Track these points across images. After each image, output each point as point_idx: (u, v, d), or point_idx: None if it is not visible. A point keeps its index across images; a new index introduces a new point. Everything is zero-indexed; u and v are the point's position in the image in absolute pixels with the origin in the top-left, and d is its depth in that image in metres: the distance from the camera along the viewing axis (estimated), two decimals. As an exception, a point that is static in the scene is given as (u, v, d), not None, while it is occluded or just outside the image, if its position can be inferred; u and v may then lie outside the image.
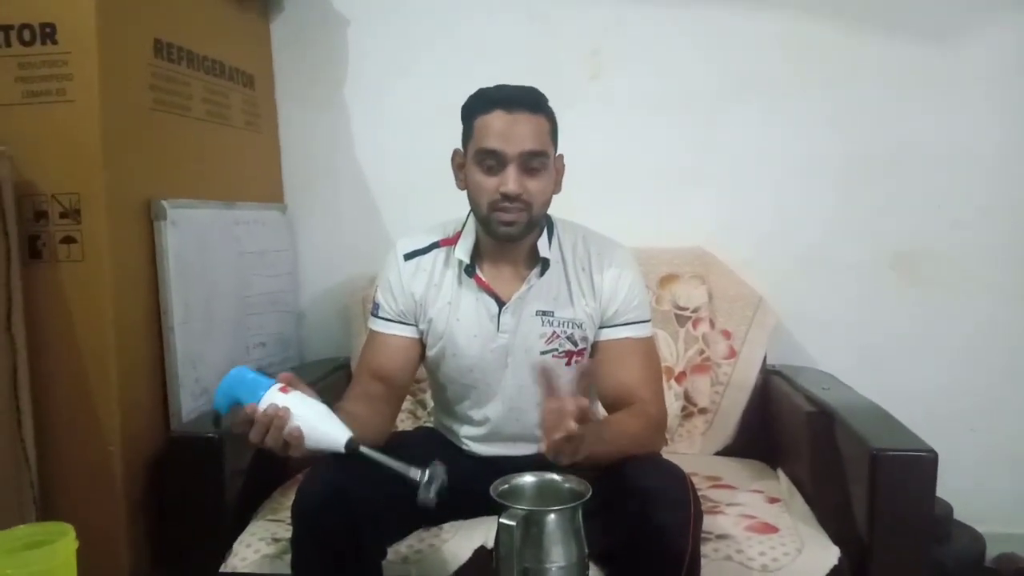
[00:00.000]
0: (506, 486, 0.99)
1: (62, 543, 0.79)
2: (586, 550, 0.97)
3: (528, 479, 1.02)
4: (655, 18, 1.98)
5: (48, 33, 1.36)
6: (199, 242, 1.63)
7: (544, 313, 1.31)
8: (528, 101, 1.24)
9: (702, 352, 1.82)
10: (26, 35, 1.37)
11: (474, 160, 1.25)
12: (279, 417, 1.03)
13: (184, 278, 1.57)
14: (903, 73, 1.94)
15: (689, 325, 1.83)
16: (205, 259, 1.65)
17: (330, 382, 1.88)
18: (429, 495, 1.02)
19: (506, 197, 1.22)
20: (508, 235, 1.26)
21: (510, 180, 1.21)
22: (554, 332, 1.31)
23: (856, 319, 1.99)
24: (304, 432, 1.04)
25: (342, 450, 1.04)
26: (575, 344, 1.32)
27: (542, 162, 1.24)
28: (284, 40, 2.07)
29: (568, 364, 1.32)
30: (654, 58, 1.99)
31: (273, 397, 1.05)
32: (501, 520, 0.94)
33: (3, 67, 1.37)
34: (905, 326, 1.97)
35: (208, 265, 1.66)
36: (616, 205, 1.92)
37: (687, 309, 1.84)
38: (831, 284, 1.99)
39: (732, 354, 1.83)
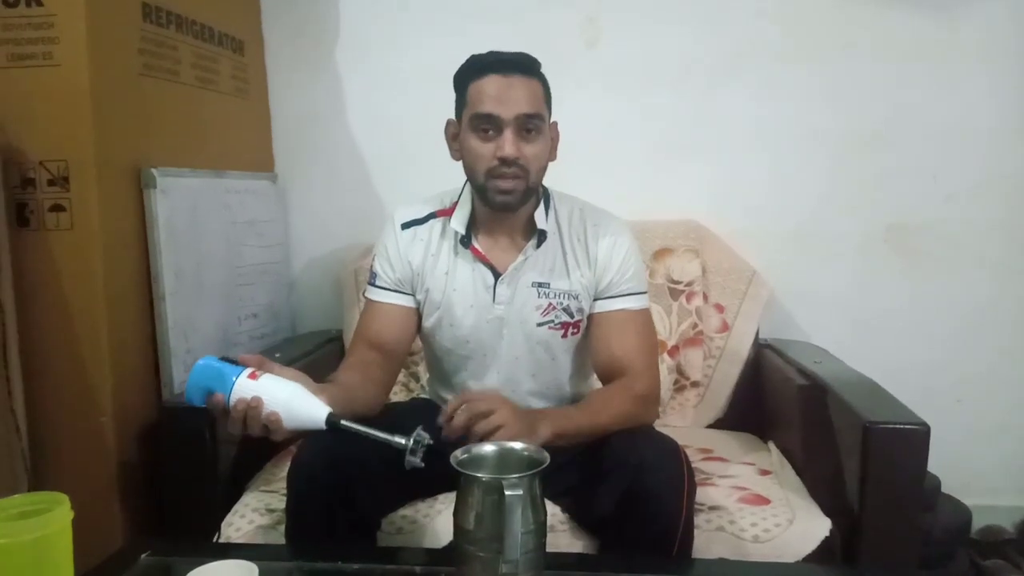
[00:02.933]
0: (466, 455, 0.99)
1: (58, 512, 0.78)
2: (544, 516, 0.97)
3: (488, 448, 1.02)
4: (653, -14, 1.95)
5: (33, -6, 1.33)
6: (189, 211, 1.61)
7: (540, 284, 1.31)
8: (522, 65, 1.23)
9: (695, 326, 1.83)
10: (10, -4, 1.33)
11: (469, 126, 1.23)
12: (252, 407, 1.03)
13: (174, 247, 1.55)
14: (899, 46, 1.93)
15: (682, 298, 1.83)
16: (195, 228, 1.63)
17: (322, 354, 1.88)
18: (416, 460, 1.02)
19: (504, 162, 1.20)
20: (505, 203, 1.25)
21: (507, 143, 1.20)
22: (550, 303, 1.30)
23: (849, 293, 1.99)
24: (281, 415, 1.04)
25: (323, 426, 1.04)
26: (571, 316, 1.31)
27: (537, 125, 1.23)
28: (274, 5, 2.03)
29: (564, 336, 1.32)
30: (651, 28, 1.96)
31: (243, 385, 1.04)
32: (460, 489, 0.95)
33: (-13, 29, 1.34)
34: (897, 300, 1.98)
35: (198, 234, 1.64)
36: (610, 177, 1.90)
37: (680, 283, 1.84)
38: (825, 258, 1.99)
39: (725, 328, 1.84)
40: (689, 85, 1.98)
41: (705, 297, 1.85)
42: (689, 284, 1.84)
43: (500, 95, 1.20)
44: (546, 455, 0.98)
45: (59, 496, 0.80)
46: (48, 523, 0.78)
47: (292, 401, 1.05)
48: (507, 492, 0.90)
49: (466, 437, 1.11)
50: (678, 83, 1.97)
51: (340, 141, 2.08)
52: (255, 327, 1.86)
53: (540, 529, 0.97)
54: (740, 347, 1.82)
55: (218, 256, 1.73)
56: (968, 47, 1.91)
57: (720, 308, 1.85)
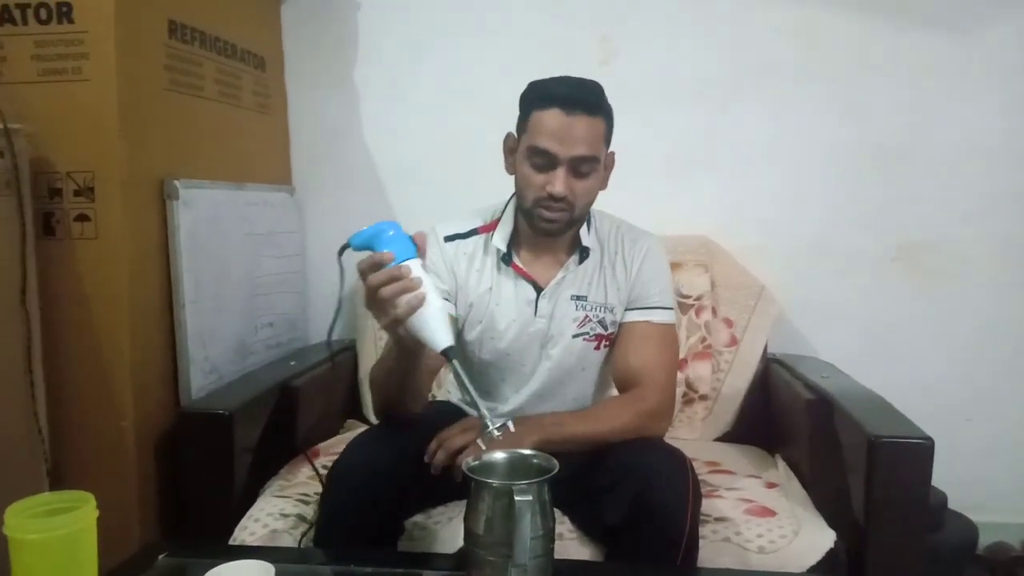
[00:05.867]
0: (477, 462, 1.02)
1: (84, 510, 0.81)
2: (553, 523, 0.99)
3: (499, 455, 1.04)
4: (666, 5, 1.99)
5: (65, 12, 1.38)
6: (210, 222, 1.65)
7: (578, 298, 1.35)
8: (588, 102, 1.22)
9: (704, 340, 1.84)
10: (43, 13, 1.38)
11: (525, 154, 1.26)
12: (411, 281, 0.99)
13: (195, 257, 1.58)
14: (913, 63, 1.94)
15: (692, 313, 1.85)
16: (216, 239, 1.67)
17: (337, 362, 1.91)
18: (494, 433, 1.00)
19: (552, 197, 1.24)
20: (548, 231, 1.29)
21: (558, 182, 1.22)
22: (586, 316, 1.34)
23: (860, 309, 2.00)
24: (424, 311, 1.00)
25: (438, 349, 1.02)
26: (605, 328, 1.35)
27: (592, 167, 1.25)
28: (294, 22, 2.08)
29: (597, 348, 1.36)
30: (664, 45, 2.00)
31: (416, 264, 1.01)
32: (472, 495, 0.97)
33: (20, 45, 1.38)
34: (907, 317, 1.99)
35: (218, 245, 1.68)
36: (623, 190, 1.90)
37: (690, 297, 1.86)
38: (836, 274, 2.00)
39: (733, 342, 1.86)
40: (703, 102, 2.00)
41: (714, 311, 1.87)
42: (698, 298, 1.86)
43: (560, 133, 1.21)
44: (555, 463, 1.00)
45: (84, 495, 0.83)
46: (76, 520, 0.81)
47: (436, 311, 1.01)
48: (517, 498, 0.93)
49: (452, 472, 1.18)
50: (692, 100, 2.00)
51: (356, 155, 2.13)
52: (271, 336, 1.90)
53: (548, 535, 0.99)
54: (748, 361, 1.83)
55: (237, 266, 1.77)
56: (981, 65, 1.93)
57: (729, 322, 1.87)
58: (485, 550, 0.97)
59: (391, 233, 1.04)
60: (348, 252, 1.07)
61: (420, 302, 1.00)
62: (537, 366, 1.36)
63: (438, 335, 1.02)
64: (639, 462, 1.16)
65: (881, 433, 1.25)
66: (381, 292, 1.00)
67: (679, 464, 1.16)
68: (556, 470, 0.98)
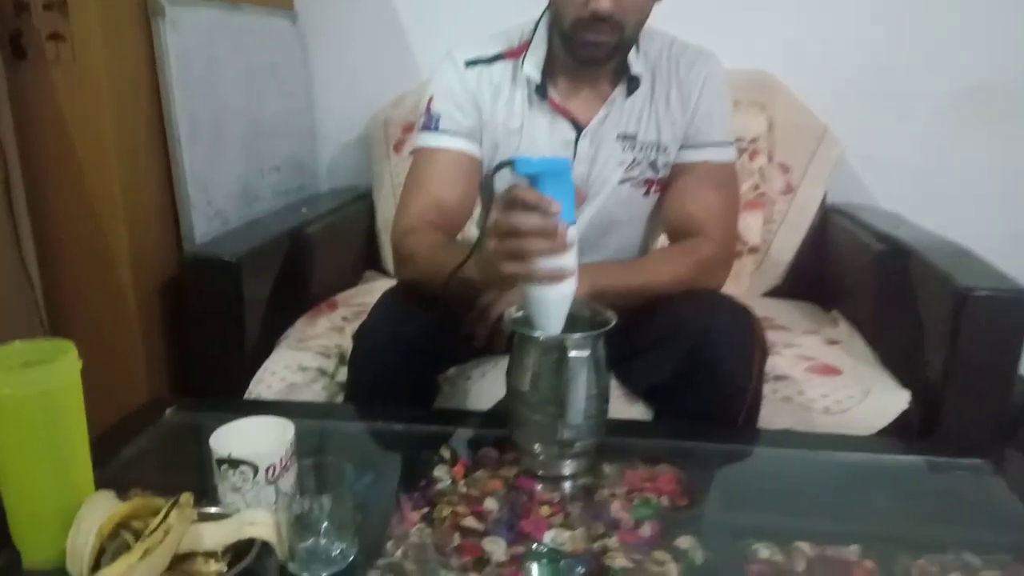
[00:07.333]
0: (522, 313, 0.88)
1: (64, 362, 0.68)
2: (608, 381, 0.87)
3: None
4: None
5: None
6: (203, 49, 1.45)
7: (625, 137, 1.14)
8: None
9: (757, 187, 1.67)
10: None
11: None
12: (566, 249, 0.83)
13: (188, 88, 1.40)
14: None
15: (745, 157, 1.66)
16: (210, 70, 1.48)
17: (352, 211, 1.76)
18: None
19: (596, 16, 1.00)
20: (591, 59, 1.07)
21: None
22: (635, 158, 1.14)
23: (927, 157, 1.80)
24: (549, 288, 0.84)
25: (545, 333, 0.85)
26: (656, 171, 1.15)
27: None
28: None
29: (646, 194, 1.17)
30: None
31: (572, 235, 0.83)
32: (516, 349, 0.86)
33: None
34: (982, 165, 1.79)
35: (214, 77, 1.49)
36: (671, 18, 1.69)
37: (744, 139, 1.66)
38: (902, 118, 1.79)
39: (789, 190, 1.68)
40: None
41: (770, 156, 1.68)
42: (753, 141, 1.67)
43: None
44: (612, 315, 0.86)
45: (65, 344, 0.70)
46: (55, 375, 0.68)
47: (568, 296, 0.85)
48: (572, 353, 0.80)
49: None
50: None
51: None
52: (279, 182, 1.73)
53: (603, 394, 0.87)
54: (805, 211, 1.67)
55: (237, 102, 1.58)
56: None
57: (785, 168, 1.68)
58: (531, 409, 0.86)
59: (566, 178, 0.84)
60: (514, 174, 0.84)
61: (562, 278, 0.83)
62: (576, 218, 1.18)
63: (551, 321, 0.85)
64: (696, 315, 1.02)
65: (972, 285, 1.10)
66: (528, 244, 0.81)
67: (741, 315, 1.02)
68: (613, 323, 0.85)
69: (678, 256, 1.13)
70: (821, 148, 1.68)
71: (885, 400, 1.16)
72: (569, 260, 0.84)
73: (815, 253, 1.66)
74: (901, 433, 1.14)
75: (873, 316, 1.38)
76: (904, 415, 1.15)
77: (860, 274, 1.45)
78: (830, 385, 1.18)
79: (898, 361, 1.26)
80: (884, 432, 1.13)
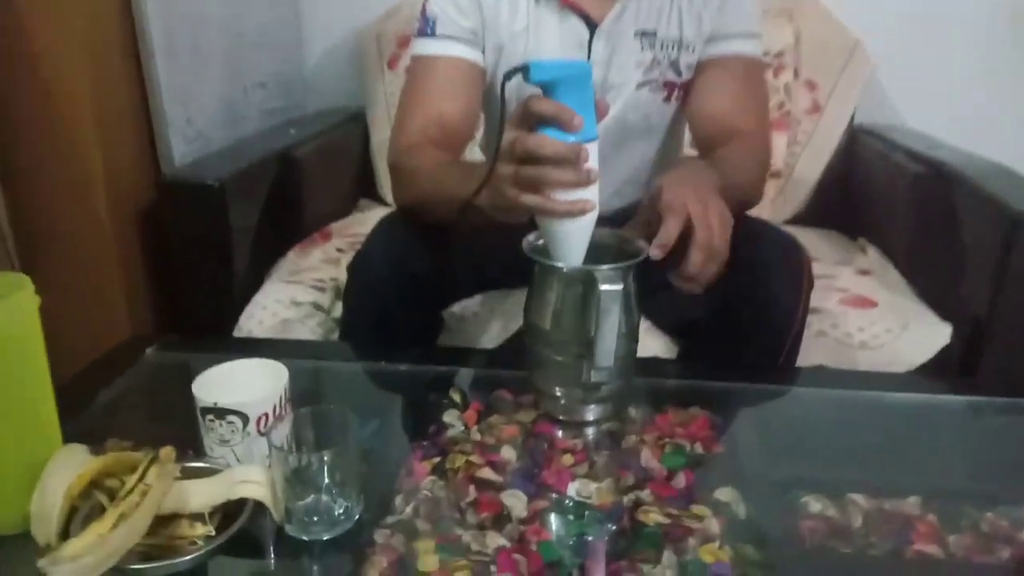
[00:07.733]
0: (540, 240, 0.78)
1: (17, 298, 0.59)
2: (638, 319, 0.79)
3: None
4: None
5: None
6: (174, -52, 1.30)
7: (644, 34, 1.01)
8: None
9: (781, 105, 1.55)
10: None
11: None
12: (588, 174, 0.72)
13: (161, -4, 1.26)
14: None
15: (769, 73, 1.54)
16: (185, -28, 1.33)
17: (343, 132, 1.64)
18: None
19: None
20: None
21: None
22: (655, 58, 1.02)
23: (965, 79, 1.67)
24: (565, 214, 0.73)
25: (564, 264, 0.75)
26: (678, 73, 1.03)
27: None
28: None
29: (667, 100, 1.05)
30: None
31: (593, 154, 0.73)
32: (535, 281, 0.77)
33: None
34: (1019, 95, 1.67)
35: (189, -20, 1.35)
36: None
37: (768, 53, 1.53)
38: (937, 36, 1.66)
39: (816, 109, 1.56)
40: None
41: (796, 72, 1.55)
42: (778, 55, 1.54)
43: None
44: (642, 244, 0.77)
45: (19, 277, 0.60)
46: (8, 311, 0.59)
47: (590, 224, 0.75)
48: (603, 287, 0.70)
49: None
50: None
51: None
52: (265, 99, 1.60)
53: (632, 333, 0.79)
54: (831, 133, 1.55)
55: (215, 13, 1.44)
56: None
57: (812, 86, 1.56)
58: (552, 348, 0.77)
59: (587, 85, 0.72)
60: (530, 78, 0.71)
61: (584, 211, 0.72)
62: None
63: (574, 254, 0.75)
64: (742, 245, 0.91)
65: (1027, 209, 1.00)
66: (549, 174, 0.71)
67: (791, 247, 0.92)
68: (644, 254, 0.75)
69: (746, 154, 0.98)
70: (851, 65, 1.55)
71: (924, 334, 1.08)
72: (593, 191, 0.74)
73: (841, 177, 1.55)
74: (940, 369, 1.06)
75: (908, 244, 1.28)
76: (944, 351, 1.07)
77: (893, 199, 1.35)
78: (866, 318, 1.10)
79: (937, 293, 1.17)
80: (923, 369, 1.05)
